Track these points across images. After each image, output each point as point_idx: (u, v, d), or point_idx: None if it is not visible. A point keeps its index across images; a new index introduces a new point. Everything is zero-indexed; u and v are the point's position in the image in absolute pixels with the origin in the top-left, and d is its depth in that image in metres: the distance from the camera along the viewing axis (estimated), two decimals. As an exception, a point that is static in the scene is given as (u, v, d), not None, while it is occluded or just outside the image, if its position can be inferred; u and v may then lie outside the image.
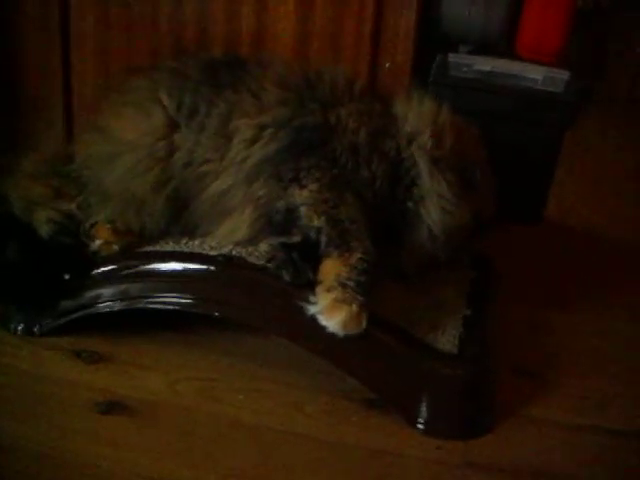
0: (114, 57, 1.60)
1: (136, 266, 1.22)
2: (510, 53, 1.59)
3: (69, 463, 0.99)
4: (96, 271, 1.23)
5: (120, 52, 1.59)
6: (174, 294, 1.19)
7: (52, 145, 1.42)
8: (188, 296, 1.18)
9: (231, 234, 1.20)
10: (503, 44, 1.61)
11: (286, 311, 1.12)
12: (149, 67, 1.38)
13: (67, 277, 1.23)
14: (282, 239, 1.14)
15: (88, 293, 1.23)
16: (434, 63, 1.56)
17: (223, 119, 1.22)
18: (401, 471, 1.04)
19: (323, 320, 1.08)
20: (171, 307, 1.19)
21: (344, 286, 1.07)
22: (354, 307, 1.07)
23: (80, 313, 1.23)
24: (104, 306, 1.22)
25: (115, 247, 1.24)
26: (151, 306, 1.20)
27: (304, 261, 1.12)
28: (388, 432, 1.09)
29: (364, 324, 1.07)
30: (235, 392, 1.15)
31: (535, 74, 1.53)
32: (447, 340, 1.13)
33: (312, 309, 1.09)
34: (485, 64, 1.56)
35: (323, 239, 1.12)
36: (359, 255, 1.10)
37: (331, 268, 1.10)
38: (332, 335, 1.08)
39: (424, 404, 1.10)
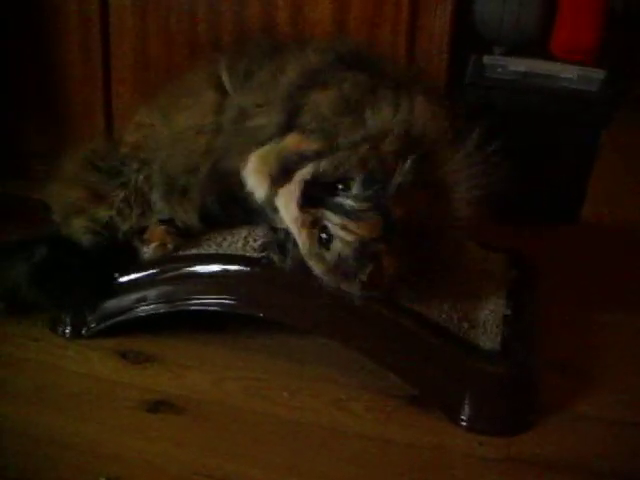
0: (153, 59, 1.65)
1: (179, 269, 1.24)
2: (544, 53, 1.60)
3: (121, 459, 1.02)
4: (140, 274, 1.26)
5: (159, 58, 1.63)
6: (217, 296, 1.21)
7: (91, 141, 1.42)
8: (231, 297, 1.20)
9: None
10: (537, 44, 1.62)
11: (330, 311, 1.13)
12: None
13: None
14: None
15: (132, 296, 1.25)
16: (469, 65, 1.57)
17: (272, 72, 1.24)
18: (444, 466, 1.04)
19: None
20: (214, 308, 1.21)
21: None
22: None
23: (125, 316, 1.26)
24: (148, 309, 1.25)
25: (170, 247, 1.26)
26: (194, 308, 1.22)
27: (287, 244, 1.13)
28: (431, 428, 1.10)
29: None
30: (280, 390, 1.16)
31: (570, 73, 1.54)
32: (489, 337, 1.14)
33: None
34: (520, 65, 1.57)
35: None
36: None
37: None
38: (376, 334, 1.10)
39: (467, 401, 1.11)
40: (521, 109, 1.57)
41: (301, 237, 1.08)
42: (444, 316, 1.15)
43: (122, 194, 1.29)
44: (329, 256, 1.06)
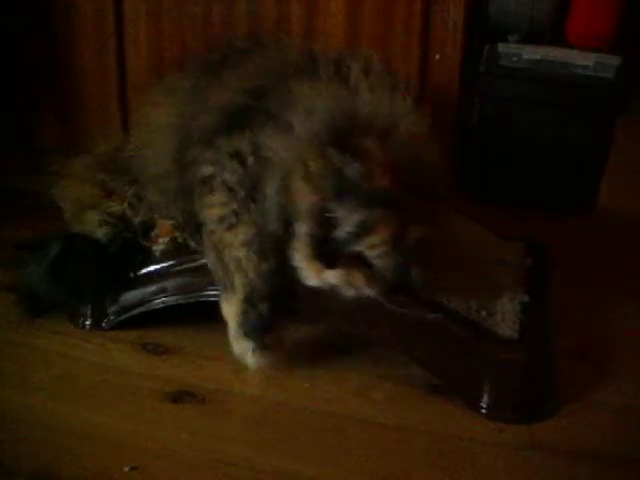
0: (167, 60, 1.65)
1: (196, 260, 1.23)
2: (560, 40, 1.60)
3: (144, 449, 1.03)
4: (158, 266, 1.26)
5: (173, 59, 1.63)
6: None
7: (101, 146, 1.45)
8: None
9: None
10: (552, 32, 1.61)
11: (348, 301, 1.13)
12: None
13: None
14: None
15: (151, 288, 1.26)
16: (484, 53, 1.57)
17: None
18: (465, 453, 1.05)
19: None
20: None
21: (237, 338, 1.12)
22: (253, 356, 1.10)
23: (144, 307, 1.27)
24: (167, 300, 1.25)
25: (180, 240, 1.26)
26: (213, 299, 1.22)
27: None
28: (451, 416, 1.11)
29: (273, 360, 1.11)
30: (300, 380, 1.17)
31: (585, 60, 1.54)
32: (507, 325, 1.14)
33: None
34: (535, 53, 1.57)
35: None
36: (239, 298, 1.11)
37: (227, 314, 1.14)
38: (395, 324, 1.11)
39: (486, 389, 1.11)
40: (536, 97, 1.57)
41: (359, 283, 1.05)
42: (463, 304, 1.15)
43: (132, 189, 1.31)
44: (388, 275, 1.04)
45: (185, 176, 1.20)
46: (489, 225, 1.42)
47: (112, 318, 1.29)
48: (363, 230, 1.00)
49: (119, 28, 1.66)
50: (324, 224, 1.02)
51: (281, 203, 1.06)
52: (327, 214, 1.01)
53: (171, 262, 1.26)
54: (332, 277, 1.04)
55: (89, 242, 1.27)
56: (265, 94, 1.15)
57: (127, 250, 1.28)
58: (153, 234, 1.28)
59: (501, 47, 1.57)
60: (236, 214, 1.11)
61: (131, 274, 1.27)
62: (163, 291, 1.26)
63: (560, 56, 1.55)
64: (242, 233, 1.10)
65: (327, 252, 1.02)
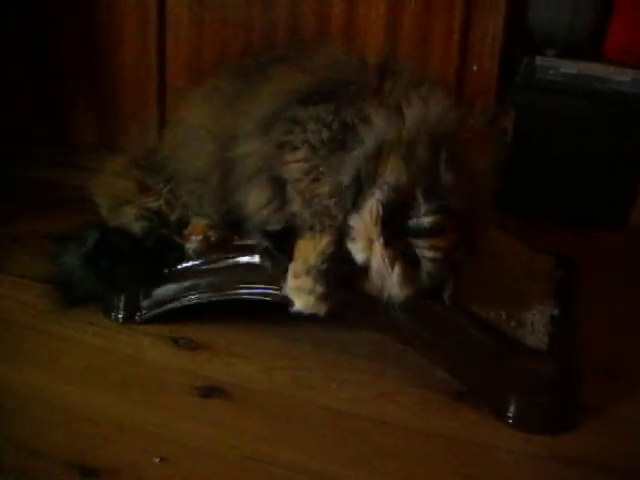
0: (207, 64, 1.67)
1: (229, 258, 1.26)
2: (598, 55, 1.60)
3: (174, 441, 1.05)
4: (191, 263, 1.28)
5: (214, 64, 1.66)
6: (266, 286, 1.22)
7: (136, 145, 1.47)
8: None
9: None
10: (591, 47, 1.62)
11: (377, 304, 1.13)
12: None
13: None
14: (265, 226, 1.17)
15: (184, 284, 1.28)
16: (521, 66, 1.58)
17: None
18: (489, 461, 1.06)
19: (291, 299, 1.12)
20: (264, 298, 1.22)
21: (308, 274, 1.10)
22: (312, 298, 1.10)
23: (177, 303, 1.29)
24: (199, 297, 1.27)
25: (212, 239, 1.28)
26: (244, 297, 1.24)
27: (280, 249, 1.15)
28: (477, 424, 1.11)
29: (322, 310, 1.10)
30: (328, 381, 1.18)
31: (623, 76, 1.54)
32: (536, 337, 1.14)
33: (284, 288, 1.13)
34: (572, 67, 1.57)
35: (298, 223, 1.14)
36: (328, 238, 1.11)
37: (302, 251, 1.12)
38: (425, 330, 1.12)
39: (513, 398, 1.11)
40: (572, 111, 1.57)
41: (395, 271, 1.06)
42: (493, 314, 1.16)
43: (167, 187, 1.33)
44: (423, 277, 1.07)
45: (228, 176, 1.22)
46: (521, 237, 1.42)
47: (145, 312, 1.31)
48: (434, 230, 1.04)
49: (161, 27, 1.68)
50: (400, 204, 1.05)
51: (363, 167, 1.08)
52: (408, 198, 1.04)
53: (205, 260, 1.27)
54: (376, 250, 1.06)
55: (125, 235, 1.30)
56: (340, 85, 1.17)
57: (162, 246, 1.30)
58: (186, 232, 1.30)
59: (538, 60, 1.58)
60: (318, 168, 1.12)
61: (165, 270, 1.29)
62: (196, 288, 1.28)
63: (597, 71, 1.55)
64: (327, 185, 1.11)
65: (388, 229, 1.05)
